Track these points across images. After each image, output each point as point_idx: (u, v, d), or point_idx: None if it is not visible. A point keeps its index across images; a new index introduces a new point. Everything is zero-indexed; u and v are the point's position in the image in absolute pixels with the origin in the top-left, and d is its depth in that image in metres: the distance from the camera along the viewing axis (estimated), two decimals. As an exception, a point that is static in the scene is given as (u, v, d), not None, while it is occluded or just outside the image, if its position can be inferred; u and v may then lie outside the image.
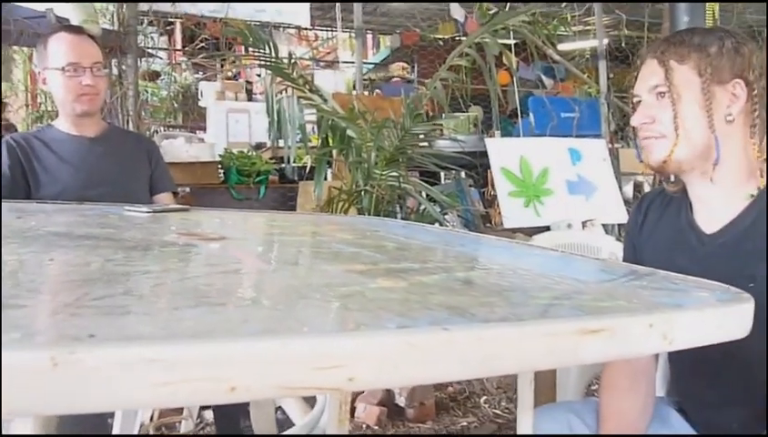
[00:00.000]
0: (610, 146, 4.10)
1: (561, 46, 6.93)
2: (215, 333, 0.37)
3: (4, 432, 1.06)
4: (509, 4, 5.10)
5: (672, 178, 1.15)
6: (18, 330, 0.39)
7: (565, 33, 6.76)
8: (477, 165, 3.75)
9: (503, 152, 3.50)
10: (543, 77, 5.67)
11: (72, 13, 4.11)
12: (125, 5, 4.13)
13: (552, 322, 0.46)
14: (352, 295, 0.51)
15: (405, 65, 8.62)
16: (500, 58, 3.36)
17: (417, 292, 0.54)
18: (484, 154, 3.60)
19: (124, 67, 3.99)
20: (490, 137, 4.79)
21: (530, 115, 5.09)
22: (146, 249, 0.73)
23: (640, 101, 1.12)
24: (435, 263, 0.77)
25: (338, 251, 0.82)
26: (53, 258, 0.62)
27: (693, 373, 1.16)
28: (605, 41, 5.32)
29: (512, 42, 5.09)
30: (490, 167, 3.67)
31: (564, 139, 3.94)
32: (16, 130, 5.51)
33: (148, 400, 0.32)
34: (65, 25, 2.64)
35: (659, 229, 1.19)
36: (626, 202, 3.80)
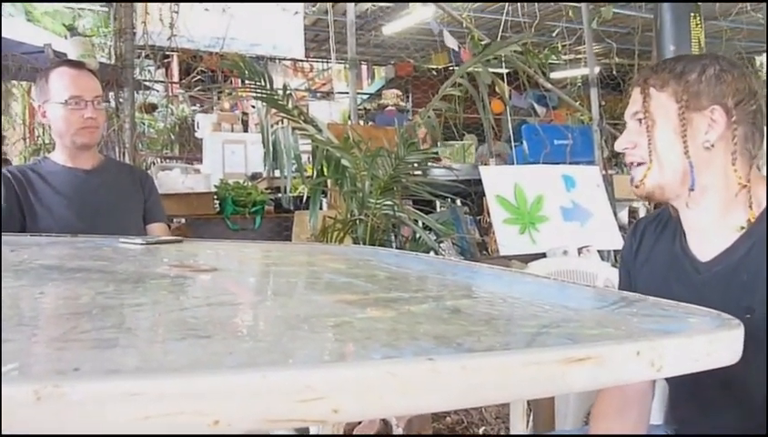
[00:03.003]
0: (603, 172, 4.13)
1: (553, 75, 7.03)
2: (198, 366, 0.37)
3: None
4: (500, 34, 5.18)
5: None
6: (4, 364, 0.39)
7: (557, 61, 6.86)
8: (472, 193, 3.77)
9: (498, 180, 3.52)
10: (536, 105, 5.73)
11: (70, 47, 4.16)
12: (121, 40, 4.18)
13: (538, 351, 0.46)
14: (340, 326, 0.52)
15: (398, 92, 8.71)
16: (493, 87, 3.41)
17: (405, 322, 0.54)
18: (479, 182, 3.62)
19: (121, 100, 4.02)
20: (485, 164, 4.82)
21: (524, 142, 5.13)
22: (138, 282, 0.73)
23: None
24: (425, 292, 0.77)
25: (330, 281, 0.82)
26: (43, 291, 0.63)
27: (690, 401, 1.15)
28: (596, 69, 5.39)
29: (505, 71, 5.16)
30: (485, 195, 3.69)
31: (558, 166, 3.96)
32: (11, 163, 5.54)
33: (131, 434, 0.32)
34: (66, 60, 2.67)
35: (654, 256, 1.18)
36: (621, 228, 3.80)
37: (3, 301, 0.59)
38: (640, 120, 1.10)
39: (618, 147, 1.14)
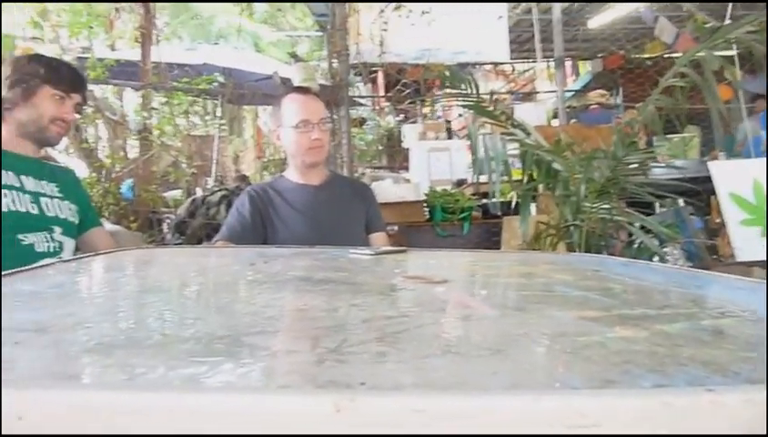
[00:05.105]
0: None
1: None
2: (468, 385, 0.38)
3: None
4: (729, 12, 4.63)
5: None
6: (294, 374, 0.45)
7: (801, 35, 5.93)
8: (700, 191, 3.42)
9: (731, 176, 3.14)
10: (775, 89, 5.00)
11: (294, 73, 4.61)
12: (336, 63, 4.52)
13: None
14: (593, 346, 0.50)
15: (603, 91, 8.21)
16: (721, 72, 3.06)
17: (662, 344, 0.51)
18: (706, 179, 3.27)
19: (336, 117, 4.36)
20: (713, 159, 4.33)
21: (762, 132, 4.52)
22: (382, 294, 0.78)
23: None
24: (673, 309, 0.71)
25: (563, 295, 0.80)
26: (306, 303, 0.70)
27: None
28: None
29: (735, 52, 4.59)
30: (712, 193, 3.32)
31: (808, 158, 3.42)
32: (249, 182, 6.27)
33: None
34: (295, 87, 2.96)
35: None
36: None
37: (276, 312, 0.67)
38: None
39: None
